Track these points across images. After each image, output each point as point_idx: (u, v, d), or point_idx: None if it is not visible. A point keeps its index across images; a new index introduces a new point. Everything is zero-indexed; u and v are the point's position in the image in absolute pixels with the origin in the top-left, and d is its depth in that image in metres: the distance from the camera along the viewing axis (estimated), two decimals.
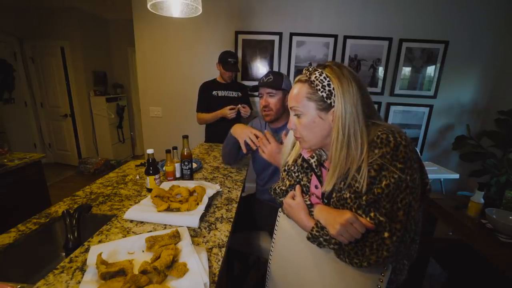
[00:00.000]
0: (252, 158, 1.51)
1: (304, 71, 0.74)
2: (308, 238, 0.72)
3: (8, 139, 3.39)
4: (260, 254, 1.32)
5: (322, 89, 0.68)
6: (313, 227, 0.71)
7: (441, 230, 1.95)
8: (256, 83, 1.56)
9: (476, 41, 2.51)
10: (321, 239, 0.70)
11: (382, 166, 0.63)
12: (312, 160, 0.80)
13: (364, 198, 0.65)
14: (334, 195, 0.72)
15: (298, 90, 0.73)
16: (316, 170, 0.79)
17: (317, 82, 0.69)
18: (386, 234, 0.61)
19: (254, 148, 1.25)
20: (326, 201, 0.76)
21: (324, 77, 0.68)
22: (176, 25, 2.63)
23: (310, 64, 2.65)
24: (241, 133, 1.31)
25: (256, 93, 1.37)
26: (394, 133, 0.63)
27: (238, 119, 2.24)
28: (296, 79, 0.76)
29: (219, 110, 2.06)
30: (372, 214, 0.63)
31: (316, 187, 0.79)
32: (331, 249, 0.70)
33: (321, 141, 0.74)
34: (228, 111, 1.99)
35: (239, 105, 2.04)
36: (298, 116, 0.74)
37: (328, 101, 0.68)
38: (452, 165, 2.81)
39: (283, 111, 1.35)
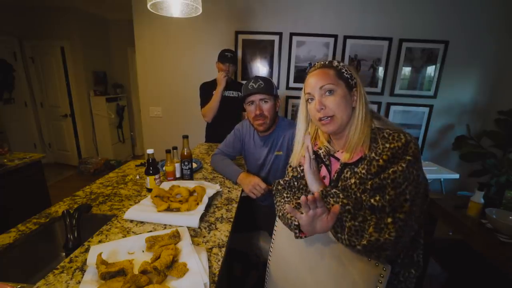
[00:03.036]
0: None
1: (320, 62, 0.80)
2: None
3: (8, 139, 3.39)
4: (260, 254, 1.31)
5: (345, 72, 0.76)
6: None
7: (441, 230, 1.95)
8: None
9: (476, 41, 2.51)
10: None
11: (391, 158, 0.65)
12: (320, 151, 0.82)
13: (369, 183, 0.66)
14: (340, 183, 0.74)
15: (326, 72, 0.76)
16: (324, 160, 0.81)
17: (340, 66, 0.77)
18: (389, 220, 0.63)
19: (255, 197, 1.27)
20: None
21: (342, 65, 0.77)
22: (176, 25, 2.63)
23: (310, 64, 2.66)
24: (247, 185, 1.28)
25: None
26: (404, 133, 0.67)
27: (239, 118, 2.24)
28: (317, 65, 0.80)
29: (217, 106, 2.01)
30: (377, 198, 0.65)
31: (323, 178, 0.81)
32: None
33: (347, 119, 0.75)
34: (221, 78, 1.96)
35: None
36: (331, 92, 0.74)
37: (351, 82, 0.76)
38: (452, 165, 2.81)
39: (275, 118, 1.32)
